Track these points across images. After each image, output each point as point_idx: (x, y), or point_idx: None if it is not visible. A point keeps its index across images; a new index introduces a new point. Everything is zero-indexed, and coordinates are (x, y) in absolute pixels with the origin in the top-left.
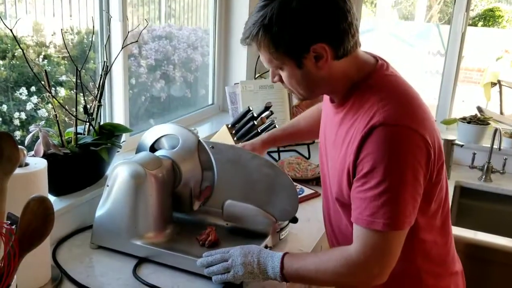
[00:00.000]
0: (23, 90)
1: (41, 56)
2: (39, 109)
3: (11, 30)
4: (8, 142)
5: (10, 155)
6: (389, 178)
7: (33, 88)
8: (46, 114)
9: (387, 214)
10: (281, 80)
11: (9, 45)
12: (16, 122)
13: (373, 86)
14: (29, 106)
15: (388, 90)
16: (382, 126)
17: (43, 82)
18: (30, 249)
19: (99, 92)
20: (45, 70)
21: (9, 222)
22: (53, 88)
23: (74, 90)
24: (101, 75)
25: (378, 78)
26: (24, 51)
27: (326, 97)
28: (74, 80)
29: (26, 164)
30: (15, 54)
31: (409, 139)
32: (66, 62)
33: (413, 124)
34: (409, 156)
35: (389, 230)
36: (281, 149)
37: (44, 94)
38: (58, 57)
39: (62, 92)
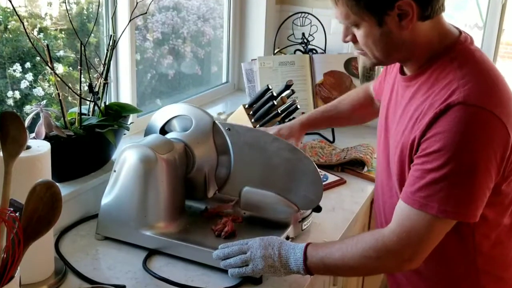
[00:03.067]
0: (17, 66)
1: (36, 29)
2: (35, 87)
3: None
4: (14, 122)
5: (16, 136)
6: (457, 162)
7: (28, 64)
8: (42, 92)
9: (446, 200)
10: (354, 39)
11: (0, 16)
12: (10, 101)
13: (455, 60)
14: (23, 84)
15: (472, 67)
16: (461, 105)
17: (41, 58)
18: (36, 238)
19: (106, 69)
20: (47, 45)
21: (12, 209)
22: None
23: (78, 67)
24: (107, 50)
25: (461, 52)
26: (23, 23)
27: (389, 73)
28: (73, 55)
29: (28, 147)
30: (8, 26)
31: (489, 125)
32: (64, 35)
33: (497, 109)
34: (486, 144)
35: (444, 217)
36: None
37: (45, 71)
38: (56, 30)
39: (60, 68)
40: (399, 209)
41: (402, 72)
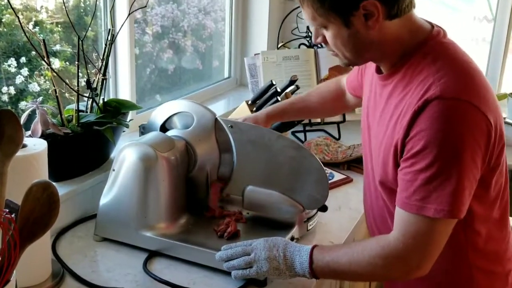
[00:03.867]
0: (12, 61)
1: (32, 23)
2: (30, 82)
3: None
4: (10, 120)
5: (12, 135)
6: (444, 158)
7: (23, 59)
8: (38, 88)
9: (440, 199)
10: (325, 41)
11: None
12: (4, 97)
13: (429, 55)
14: (19, 80)
15: (446, 60)
16: (438, 100)
17: (37, 53)
18: (33, 240)
19: (104, 64)
20: (43, 40)
21: (8, 210)
22: None
23: (76, 62)
24: (106, 44)
25: (434, 46)
26: (19, 16)
27: (367, 70)
28: (70, 49)
29: (24, 146)
30: (2, 20)
31: (469, 115)
32: (60, 29)
33: (474, 99)
34: (467, 135)
35: (441, 217)
36: (307, 128)
37: (41, 67)
38: (52, 23)
39: (57, 63)
40: (398, 216)
41: (378, 71)
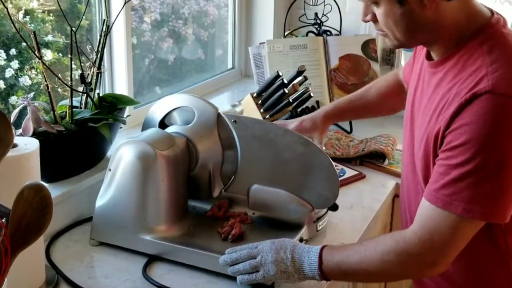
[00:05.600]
0: (1, 53)
1: (22, 12)
2: (21, 76)
3: None
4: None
5: (2, 136)
6: (485, 157)
7: (13, 51)
8: (29, 82)
9: (473, 198)
10: (374, 19)
11: None
12: None
13: (485, 43)
14: (8, 73)
15: (503, 51)
16: (489, 94)
17: (27, 46)
18: (25, 246)
19: (99, 57)
20: (34, 32)
21: None
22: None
23: (69, 55)
24: (101, 35)
25: (492, 35)
26: (7, 7)
27: (419, 54)
28: (63, 40)
29: (15, 146)
30: None
31: None
32: (52, 18)
33: None
34: None
35: (470, 217)
36: None
37: (33, 61)
38: (43, 12)
39: (49, 55)
40: (422, 209)
41: (428, 57)
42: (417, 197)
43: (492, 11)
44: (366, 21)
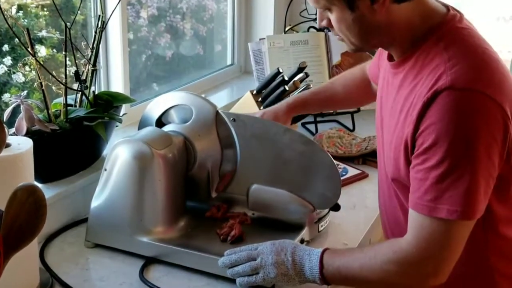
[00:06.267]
0: None
1: (15, 7)
2: (14, 72)
3: None
4: None
5: None
6: (456, 154)
7: (5, 47)
8: (23, 79)
9: (453, 198)
10: (330, 24)
11: None
12: None
13: (441, 41)
14: (1, 70)
15: (460, 47)
16: (449, 90)
17: (20, 43)
18: (18, 249)
19: (94, 54)
20: (27, 29)
21: None
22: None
23: (63, 52)
24: (96, 31)
25: (448, 32)
26: None
27: (383, 55)
28: (57, 36)
29: (8, 145)
30: None
31: (483, 107)
32: (46, 13)
33: (489, 89)
34: (481, 128)
35: (455, 219)
36: (318, 119)
37: (26, 58)
38: (37, 7)
39: (43, 51)
40: (411, 218)
41: (390, 58)
42: (391, 200)
43: (448, 7)
44: (322, 27)
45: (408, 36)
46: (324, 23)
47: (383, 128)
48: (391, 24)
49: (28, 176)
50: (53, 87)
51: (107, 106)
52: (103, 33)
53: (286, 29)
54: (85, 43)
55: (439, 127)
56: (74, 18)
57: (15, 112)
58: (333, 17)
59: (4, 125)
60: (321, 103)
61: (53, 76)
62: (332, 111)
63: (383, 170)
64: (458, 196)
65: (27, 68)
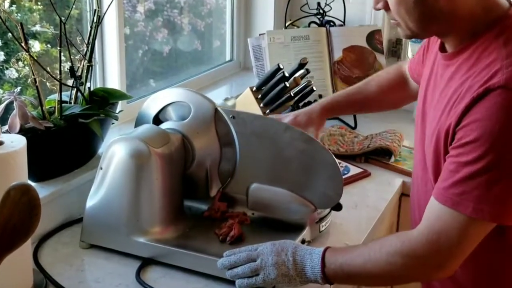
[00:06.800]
0: None
1: (8, 1)
2: (7, 68)
3: None
4: None
5: None
6: (497, 155)
7: None
8: (16, 75)
9: (483, 198)
10: (386, 7)
11: None
12: None
13: (501, 36)
14: None
15: None
16: (503, 89)
17: (14, 38)
18: (12, 249)
19: (89, 49)
20: (21, 23)
21: None
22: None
23: (58, 48)
24: (91, 26)
25: (509, 27)
26: None
27: (432, 48)
28: (51, 31)
29: (0, 143)
30: None
31: None
32: (40, 7)
33: None
34: None
35: (479, 218)
36: None
37: (20, 53)
38: (30, 1)
39: (37, 46)
40: (430, 208)
41: (442, 49)
42: (427, 196)
43: (510, 2)
44: (377, 9)
45: (468, 27)
46: (380, 5)
47: (425, 122)
48: (453, 12)
49: (21, 175)
50: (47, 83)
51: (102, 103)
52: (99, 28)
53: (287, 24)
54: (80, 38)
55: (483, 124)
56: (69, 13)
57: (8, 109)
58: None
59: None
60: (355, 105)
61: (48, 72)
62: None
63: (420, 164)
64: (489, 196)
65: (20, 63)
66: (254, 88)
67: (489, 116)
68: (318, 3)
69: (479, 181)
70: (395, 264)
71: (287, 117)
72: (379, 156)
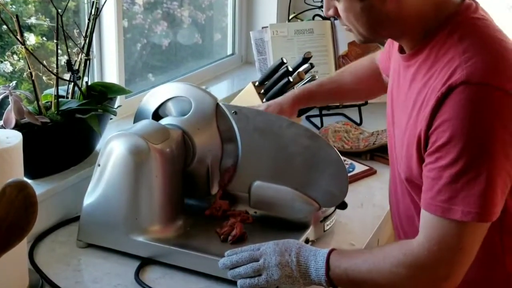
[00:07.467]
0: None
1: None
2: (1, 61)
3: None
4: None
5: None
6: (471, 152)
7: None
8: (11, 68)
9: (468, 199)
10: (337, 13)
11: None
12: None
13: (455, 32)
14: None
15: (475, 38)
16: (464, 85)
17: (9, 30)
18: (7, 248)
19: (87, 42)
20: (17, 15)
21: None
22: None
23: (55, 41)
24: (89, 19)
25: (462, 22)
26: None
27: (395, 46)
28: (47, 23)
29: None
30: None
31: (500, 103)
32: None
33: (507, 84)
34: (498, 125)
35: (470, 220)
36: (324, 112)
37: (15, 46)
38: None
39: (32, 39)
40: (423, 219)
41: (401, 49)
42: (404, 196)
43: None
44: (328, 16)
45: (420, 27)
46: (331, 12)
47: (394, 124)
48: (401, 15)
49: (17, 172)
50: (44, 77)
51: (100, 97)
52: (97, 20)
53: (290, 17)
54: (77, 31)
55: (453, 124)
56: (66, 5)
57: (3, 103)
58: (340, 6)
59: None
60: (328, 95)
61: (44, 65)
62: (338, 104)
63: (395, 168)
64: (473, 197)
65: (15, 57)
66: (257, 83)
67: (456, 114)
68: None
69: (462, 183)
70: (399, 275)
71: (260, 107)
72: (385, 153)
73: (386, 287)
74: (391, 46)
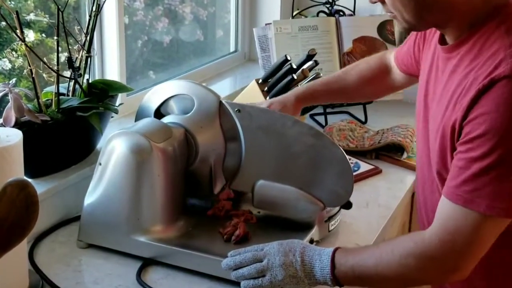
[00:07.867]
0: None
1: None
2: (0, 59)
3: None
4: None
5: None
6: (506, 148)
7: None
8: (10, 65)
9: (496, 194)
10: (382, 0)
11: None
12: None
13: (503, 24)
14: None
15: None
16: (507, 79)
17: (9, 26)
18: (8, 249)
19: (88, 39)
20: (17, 12)
21: None
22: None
23: (55, 37)
24: (90, 16)
25: (511, 14)
26: None
27: (430, 40)
28: (47, 19)
29: None
30: None
31: None
32: None
33: None
34: None
35: (494, 215)
36: (328, 110)
37: (15, 43)
38: None
39: (31, 35)
40: (441, 207)
41: (442, 41)
42: (433, 194)
43: None
44: (373, 2)
45: (467, 17)
46: None
47: (428, 118)
48: (451, 2)
49: (17, 171)
50: (44, 75)
51: (102, 95)
52: (98, 17)
53: (294, 14)
54: (78, 27)
55: (492, 117)
56: (67, 1)
57: (3, 101)
58: None
59: None
60: (332, 95)
61: (44, 62)
62: (343, 102)
63: (425, 164)
64: (502, 192)
65: (14, 54)
66: (260, 80)
67: (496, 108)
68: None
69: (490, 177)
70: (408, 266)
71: (262, 105)
72: (391, 152)
73: (394, 281)
74: (420, 41)
